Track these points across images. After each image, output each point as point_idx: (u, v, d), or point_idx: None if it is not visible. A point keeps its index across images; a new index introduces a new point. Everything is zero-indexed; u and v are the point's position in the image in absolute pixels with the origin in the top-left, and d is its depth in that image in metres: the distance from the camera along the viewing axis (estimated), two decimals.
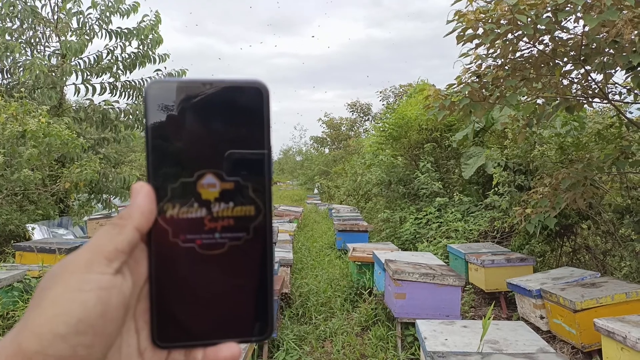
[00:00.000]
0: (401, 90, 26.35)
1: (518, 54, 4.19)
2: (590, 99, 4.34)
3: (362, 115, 32.76)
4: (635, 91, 3.93)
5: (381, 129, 11.49)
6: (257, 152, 0.49)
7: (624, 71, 4.09)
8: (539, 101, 4.48)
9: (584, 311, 3.86)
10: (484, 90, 4.14)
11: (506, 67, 4.11)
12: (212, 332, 0.48)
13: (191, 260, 0.47)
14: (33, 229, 8.04)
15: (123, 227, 0.45)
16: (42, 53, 10.21)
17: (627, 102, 4.44)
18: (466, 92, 4.07)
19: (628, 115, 4.62)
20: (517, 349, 3.13)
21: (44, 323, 0.39)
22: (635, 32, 3.59)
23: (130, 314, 0.47)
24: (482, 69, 4.20)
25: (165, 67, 11.08)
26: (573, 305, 3.87)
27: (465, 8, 3.92)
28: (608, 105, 4.71)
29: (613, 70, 4.13)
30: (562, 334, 4.12)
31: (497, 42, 3.90)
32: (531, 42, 4.04)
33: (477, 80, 4.12)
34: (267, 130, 0.50)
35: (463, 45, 4.03)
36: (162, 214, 0.47)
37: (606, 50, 3.98)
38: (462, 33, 3.89)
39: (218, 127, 0.49)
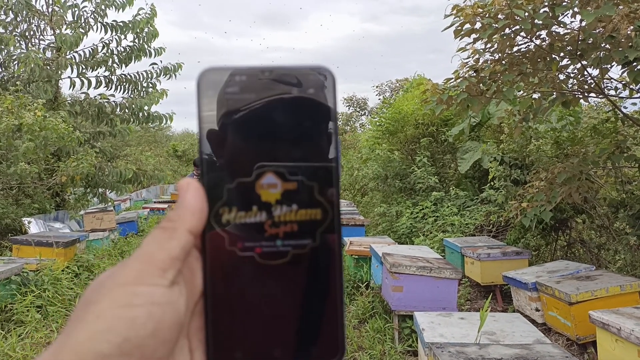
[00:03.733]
0: (397, 84, 26.36)
1: (515, 49, 4.21)
2: (586, 94, 4.37)
3: (358, 109, 32.76)
4: (631, 86, 3.97)
5: (378, 123, 11.52)
6: (324, 148, 0.44)
7: (620, 66, 4.12)
8: (535, 96, 4.51)
9: (579, 304, 3.91)
10: (481, 84, 4.16)
11: (503, 62, 4.14)
12: (274, 352, 0.43)
13: (250, 271, 0.43)
14: (29, 222, 8.03)
15: (174, 230, 0.41)
16: (36, 46, 10.16)
17: (623, 97, 4.48)
18: (464, 87, 4.09)
19: (623, 110, 4.66)
20: (514, 340, 3.17)
21: (86, 340, 0.35)
22: (632, 27, 3.62)
23: (184, 332, 0.41)
24: (479, 64, 4.22)
25: (161, 61, 11.02)
26: (568, 297, 3.92)
27: (464, 3, 3.94)
28: (603, 100, 4.74)
29: (609, 65, 4.16)
30: (557, 326, 4.17)
31: (495, 36, 3.92)
32: (528, 37, 4.06)
33: (475, 74, 4.14)
34: (335, 123, 0.45)
35: (460, 39, 4.05)
36: (217, 219, 0.43)
37: (602, 45, 4.01)
38: (459, 27, 3.90)
39: (279, 120, 0.44)
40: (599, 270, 4.49)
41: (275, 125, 0.44)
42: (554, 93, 4.36)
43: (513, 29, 3.88)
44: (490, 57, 4.25)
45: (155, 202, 17.83)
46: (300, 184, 0.43)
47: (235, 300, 0.43)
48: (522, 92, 4.53)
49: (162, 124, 11.97)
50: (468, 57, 4.28)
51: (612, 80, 4.55)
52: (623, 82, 4.47)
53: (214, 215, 0.43)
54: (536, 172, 4.76)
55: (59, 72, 9.72)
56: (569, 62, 4.22)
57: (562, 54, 4.21)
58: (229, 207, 0.43)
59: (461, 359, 2.71)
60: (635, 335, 3.00)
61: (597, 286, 3.98)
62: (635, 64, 3.90)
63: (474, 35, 3.90)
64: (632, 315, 3.32)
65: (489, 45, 4.11)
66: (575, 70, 4.46)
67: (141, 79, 10.74)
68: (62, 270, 5.77)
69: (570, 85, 4.50)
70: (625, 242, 4.41)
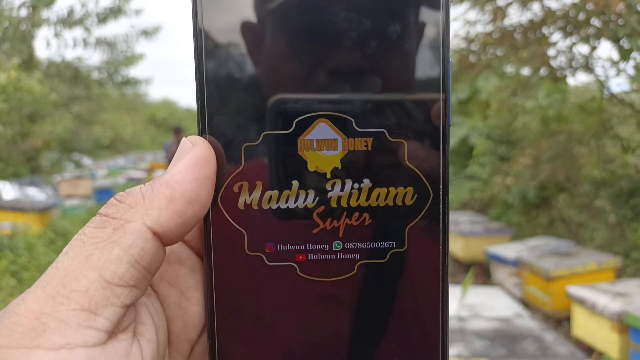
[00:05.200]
0: None
1: (507, 23, 4.16)
2: (574, 71, 4.36)
3: None
4: (620, 64, 3.96)
5: None
6: (421, 81, 0.27)
7: (610, 44, 4.11)
8: (525, 71, 4.49)
9: (557, 279, 3.96)
10: (470, 56, 4.11)
11: (495, 36, 4.08)
12: None
13: (286, 292, 0.27)
14: (3, 185, 7.81)
15: (121, 227, 0.24)
16: (10, 4, 9.71)
17: (611, 76, 4.49)
18: (455, 60, 4.03)
19: (609, 89, 4.67)
20: (494, 313, 3.21)
21: None
22: (623, 4, 3.59)
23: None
24: (470, 34, 4.17)
25: (140, 22, 10.67)
26: (547, 274, 3.97)
27: None
28: (591, 79, 4.75)
29: (597, 42, 4.14)
30: (535, 301, 4.24)
31: (487, 6, 3.85)
32: (521, 9, 4.01)
33: (466, 47, 4.08)
34: (445, 39, 0.27)
35: None
36: (230, 201, 0.27)
37: (592, 22, 3.98)
38: None
39: (341, 30, 0.26)
40: (578, 246, 4.56)
41: (329, 40, 0.26)
42: (542, 69, 4.33)
43: (507, 1, 3.82)
44: (482, 30, 4.19)
45: (133, 170, 17.53)
46: (378, 142, 0.27)
47: (262, 340, 0.27)
48: (511, 66, 4.50)
49: (140, 89, 11.69)
50: (459, 29, 4.21)
51: (600, 58, 4.54)
52: (611, 61, 4.46)
53: (224, 197, 0.27)
54: (522, 148, 4.77)
55: (34, 31, 9.34)
56: (560, 37, 4.19)
57: (552, 29, 4.18)
58: (249, 180, 0.27)
59: None
60: (609, 310, 3.05)
61: (575, 263, 4.04)
62: (624, 40, 3.89)
63: (466, 4, 3.83)
64: (607, 290, 3.37)
65: (481, 15, 4.05)
66: (565, 48, 4.44)
67: (119, 41, 10.41)
68: (39, 237, 5.65)
69: (559, 62, 4.48)
70: (605, 220, 4.48)
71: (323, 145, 0.26)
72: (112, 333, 0.23)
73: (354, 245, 0.27)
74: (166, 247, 0.25)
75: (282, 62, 0.27)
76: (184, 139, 0.27)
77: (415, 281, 0.27)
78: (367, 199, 0.27)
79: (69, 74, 9.93)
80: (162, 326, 0.27)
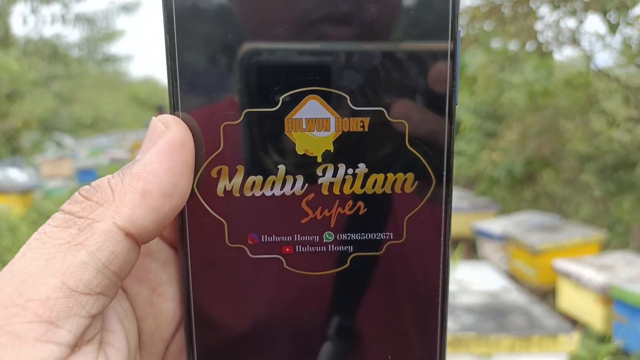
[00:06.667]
0: None
1: None
2: (561, 45, 4.35)
3: None
4: (607, 38, 3.97)
5: None
6: (427, 49, 0.23)
7: (597, 18, 4.09)
8: (512, 45, 4.47)
9: (543, 254, 4.02)
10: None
11: (483, 10, 4.05)
12: None
13: (272, 287, 0.25)
14: None
15: (89, 227, 0.21)
16: None
17: (597, 51, 4.49)
18: None
19: (595, 64, 4.68)
20: (481, 287, 3.25)
21: None
22: None
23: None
24: None
25: None
26: (533, 248, 4.02)
27: None
28: (577, 53, 4.75)
29: (585, 15, 4.13)
30: (521, 275, 4.30)
31: None
32: None
33: None
34: (454, 7, 0.23)
35: None
36: (208, 188, 0.24)
37: None
38: None
39: None
40: (563, 221, 4.63)
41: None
42: (529, 43, 4.32)
43: None
44: (470, 5, 4.15)
45: (116, 149, 17.31)
46: (376, 121, 0.23)
47: (245, 338, 0.25)
48: (498, 41, 4.48)
49: (121, 67, 11.46)
50: None
51: (587, 33, 4.54)
52: (598, 35, 4.46)
53: (201, 183, 0.24)
54: (508, 124, 4.79)
55: (10, 8, 9.04)
56: (548, 10, 4.17)
57: (539, 3, 4.15)
58: (229, 164, 0.24)
59: None
60: (594, 283, 3.11)
61: (560, 237, 4.10)
62: (610, 13, 3.88)
63: None
64: (592, 263, 3.43)
65: None
66: (552, 22, 4.42)
67: (99, 17, 10.15)
68: (22, 219, 5.56)
69: (545, 37, 4.47)
70: (589, 194, 4.53)
71: (314, 125, 0.23)
72: (76, 346, 0.20)
73: (347, 236, 0.24)
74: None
75: (266, 17, 0.23)
76: (154, 118, 0.24)
77: (414, 275, 0.25)
78: (363, 185, 0.24)
79: (48, 52, 9.67)
80: (133, 329, 0.24)
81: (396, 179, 0.24)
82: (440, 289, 0.25)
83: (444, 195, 0.24)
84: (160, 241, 0.26)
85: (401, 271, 0.25)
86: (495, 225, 4.72)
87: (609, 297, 2.97)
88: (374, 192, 0.24)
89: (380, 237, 0.25)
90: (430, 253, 0.25)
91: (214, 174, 0.24)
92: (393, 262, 0.25)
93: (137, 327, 0.24)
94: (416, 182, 0.24)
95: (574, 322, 3.18)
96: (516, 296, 3.04)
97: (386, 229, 0.25)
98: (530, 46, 4.36)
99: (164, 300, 0.25)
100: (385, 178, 0.24)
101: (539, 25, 4.44)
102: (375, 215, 0.24)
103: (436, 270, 0.25)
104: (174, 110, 0.24)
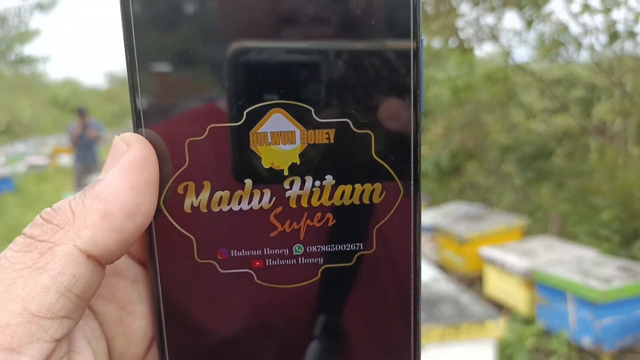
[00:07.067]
0: None
1: None
2: (481, 42, 4.52)
3: None
4: (523, 35, 4.15)
5: None
6: (391, 50, 0.23)
7: (514, 14, 4.29)
8: (436, 43, 4.59)
9: (469, 242, 4.15)
10: None
11: None
12: None
13: (242, 302, 0.25)
14: None
15: (49, 250, 0.21)
16: None
17: (514, 46, 4.70)
18: None
19: (514, 58, 4.91)
20: None
21: None
22: None
23: None
24: None
25: None
26: (460, 237, 4.15)
27: None
28: (496, 49, 4.96)
29: (502, 11, 4.31)
30: (450, 264, 4.43)
31: None
32: None
33: None
34: (416, 6, 0.23)
35: None
36: (175, 204, 0.24)
37: None
38: None
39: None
40: (487, 210, 4.82)
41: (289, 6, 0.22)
42: (451, 40, 4.45)
43: None
44: None
45: (34, 155, 16.23)
46: (341, 132, 0.23)
47: (218, 354, 0.24)
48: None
49: (38, 68, 10.77)
50: None
51: (504, 30, 4.74)
52: (515, 31, 4.67)
53: (167, 200, 0.23)
54: (434, 118, 4.92)
55: None
56: (469, 7, 4.31)
57: (460, 0, 4.28)
58: (195, 180, 0.23)
59: None
60: (517, 268, 3.24)
61: (485, 225, 4.25)
62: (526, 8, 4.07)
63: None
64: (515, 249, 3.58)
65: None
66: (472, 19, 4.59)
67: (11, 15, 9.47)
68: None
69: (466, 34, 4.63)
70: (511, 183, 4.75)
71: (279, 139, 0.23)
72: None
73: (317, 248, 0.25)
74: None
75: (227, 32, 0.22)
76: (116, 137, 0.23)
77: (385, 285, 0.25)
78: (330, 197, 0.24)
79: None
80: (102, 349, 0.24)
81: (364, 189, 0.24)
82: (412, 297, 0.25)
83: (412, 203, 0.25)
84: (128, 259, 0.25)
85: (372, 281, 0.25)
86: (425, 217, 4.84)
87: (532, 281, 3.11)
88: (342, 203, 0.24)
89: (350, 248, 0.25)
90: (401, 262, 0.25)
91: (180, 190, 0.23)
92: (364, 273, 0.25)
93: (107, 347, 0.24)
94: (384, 192, 0.24)
95: (500, 307, 3.30)
96: (445, 286, 3.11)
97: (356, 239, 0.25)
98: (452, 43, 4.50)
99: (134, 318, 0.25)
100: (353, 189, 0.24)
101: (460, 23, 4.60)
102: (345, 227, 0.24)
103: (407, 279, 0.25)
104: (137, 128, 0.23)
